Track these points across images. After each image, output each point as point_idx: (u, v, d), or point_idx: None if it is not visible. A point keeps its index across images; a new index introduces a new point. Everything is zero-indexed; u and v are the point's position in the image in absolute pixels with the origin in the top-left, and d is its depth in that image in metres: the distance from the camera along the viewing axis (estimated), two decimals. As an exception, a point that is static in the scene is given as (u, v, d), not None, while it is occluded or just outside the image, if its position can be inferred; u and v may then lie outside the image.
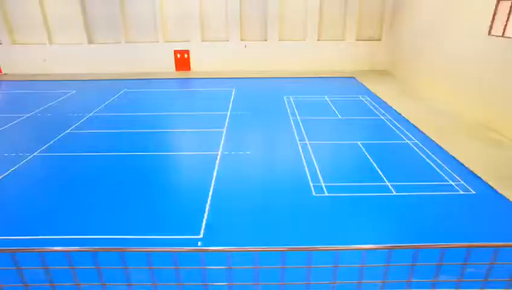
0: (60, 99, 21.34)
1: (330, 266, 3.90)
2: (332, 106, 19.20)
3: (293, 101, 20.22)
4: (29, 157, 13.25)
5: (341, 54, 27.69)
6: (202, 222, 9.35)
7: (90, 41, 27.77)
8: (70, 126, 16.56)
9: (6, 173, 12.07)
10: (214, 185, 11.14)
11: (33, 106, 20.00)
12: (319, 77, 26.05)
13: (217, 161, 12.77)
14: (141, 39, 27.70)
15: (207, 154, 13.45)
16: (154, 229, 9.12)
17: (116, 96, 21.76)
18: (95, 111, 18.82)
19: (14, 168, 12.41)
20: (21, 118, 17.86)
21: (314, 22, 26.85)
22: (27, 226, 9.30)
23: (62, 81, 25.97)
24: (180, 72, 28.15)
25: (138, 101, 21.10)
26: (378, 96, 20.85)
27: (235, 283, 4.18)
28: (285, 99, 20.64)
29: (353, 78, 25.86)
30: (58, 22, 27.44)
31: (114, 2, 26.49)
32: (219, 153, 13.47)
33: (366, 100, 20.35)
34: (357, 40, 27.46)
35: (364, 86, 23.48)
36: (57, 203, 10.32)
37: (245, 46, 27.55)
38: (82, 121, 17.33)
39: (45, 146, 14.30)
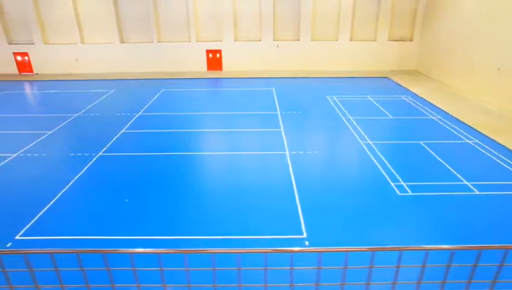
0: (100, 99, 21.26)
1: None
2: (379, 106, 19.18)
3: (338, 101, 20.19)
4: (96, 157, 13.19)
5: (372, 54, 27.68)
6: (300, 221, 9.31)
7: (122, 41, 27.71)
8: (124, 126, 16.50)
9: (81, 173, 12.00)
10: (296, 185, 11.09)
11: (76, 105, 19.92)
12: (353, 77, 26.04)
13: (288, 161, 12.72)
14: (173, 39, 27.63)
15: (275, 154, 13.41)
16: (250, 230, 9.07)
17: (156, 96, 21.69)
18: (142, 111, 18.75)
19: (86, 168, 12.34)
20: (71, 118, 17.77)
21: (347, 22, 26.85)
22: (110, 226, 9.24)
23: (96, 81, 25.91)
24: (212, 71, 28.11)
25: (180, 100, 21.06)
26: (420, 96, 20.83)
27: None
28: (328, 99, 20.62)
29: (386, 78, 25.87)
30: (91, 22, 27.38)
31: (147, 1, 26.45)
32: (286, 152, 13.43)
33: (410, 100, 20.33)
34: (388, 40, 27.48)
35: (401, 85, 23.47)
36: (136, 203, 10.27)
37: (277, 46, 27.52)
38: (133, 120, 17.25)
39: (107, 146, 14.23)
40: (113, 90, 23.03)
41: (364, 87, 23.23)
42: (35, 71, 28.55)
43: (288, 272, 4.97)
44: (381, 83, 24.67)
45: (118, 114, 18.31)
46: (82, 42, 27.74)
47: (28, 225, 9.22)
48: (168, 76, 26.79)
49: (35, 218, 9.53)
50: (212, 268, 3.79)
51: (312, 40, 27.46)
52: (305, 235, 8.78)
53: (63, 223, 9.35)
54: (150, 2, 26.39)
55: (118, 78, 26.53)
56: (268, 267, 3.97)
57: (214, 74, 27.45)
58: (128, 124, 16.68)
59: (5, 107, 20.46)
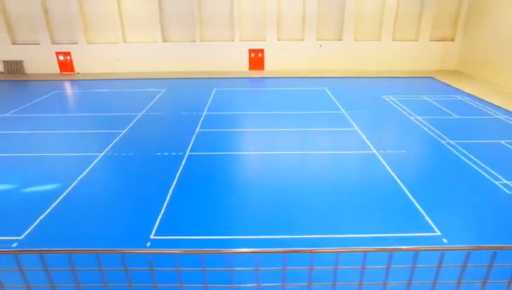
0: (156, 98, 21.26)
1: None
2: (439, 106, 19.22)
3: (396, 100, 20.23)
4: (186, 157, 13.20)
5: (413, 54, 27.73)
6: (424, 218, 9.34)
7: (164, 40, 27.72)
8: (196, 125, 16.51)
9: (179, 172, 12.01)
10: (403, 183, 11.11)
11: (135, 104, 19.92)
12: (397, 77, 26.06)
13: (382, 160, 12.76)
14: (216, 38, 27.65)
15: (362, 153, 13.44)
16: (373, 228, 9.10)
17: (211, 95, 21.70)
18: (206, 110, 18.74)
19: (181, 167, 12.36)
20: (136, 117, 17.77)
21: (390, 22, 26.90)
22: (230, 226, 9.27)
23: (141, 80, 25.89)
24: (253, 71, 28.13)
25: (237, 99, 21.09)
26: (476, 96, 20.87)
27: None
28: (385, 98, 20.66)
29: (431, 78, 25.92)
30: (133, 21, 27.38)
31: (192, 0, 26.47)
32: (375, 152, 13.46)
33: (467, 100, 20.37)
34: (430, 40, 27.52)
35: (450, 85, 23.51)
36: (242, 202, 10.29)
37: (320, 45, 27.56)
38: (202, 120, 17.26)
39: (190, 145, 14.24)
40: (164, 90, 23.03)
41: (413, 87, 23.28)
42: (76, 70, 28.55)
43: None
44: (428, 82, 24.70)
45: (183, 113, 18.32)
46: (124, 41, 27.75)
47: (156, 225, 9.24)
48: (210, 75, 26.81)
49: (159, 217, 9.55)
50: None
51: (355, 40, 27.50)
52: (438, 233, 8.82)
53: (182, 223, 9.35)
54: (194, 1, 26.41)
55: (162, 77, 26.53)
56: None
57: (256, 74, 27.46)
58: (200, 123, 16.69)
59: (65, 107, 20.47)
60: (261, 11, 26.92)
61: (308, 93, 22.01)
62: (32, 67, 28.40)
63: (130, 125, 16.61)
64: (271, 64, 28.10)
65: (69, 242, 8.65)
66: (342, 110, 18.61)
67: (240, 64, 28.10)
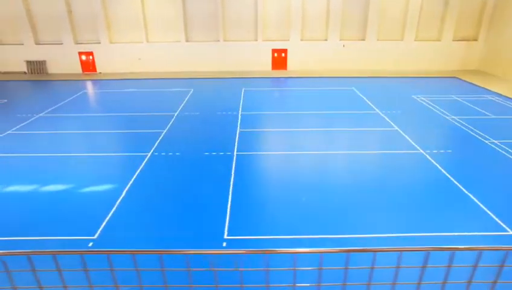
0: (187, 97, 21.27)
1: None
2: (472, 106, 19.26)
3: (427, 100, 20.29)
4: (235, 156, 13.24)
5: (436, 54, 27.79)
6: (493, 218, 9.39)
7: (187, 40, 27.74)
8: (235, 125, 16.53)
9: (233, 171, 12.05)
10: (459, 182, 11.16)
11: (168, 104, 19.96)
12: (421, 77, 26.12)
13: (431, 160, 12.80)
14: (239, 38, 27.68)
15: (410, 153, 13.48)
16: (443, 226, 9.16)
17: (242, 94, 21.74)
18: (240, 110, 18.75)
19: (234, 166, 12.40)
20: (173, 117, 17.79)
21: (414, 22, 26.94)
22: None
23: (166, 80, 25.91)
24: (276, 71, 28.17)
25: (268, 99, 21.12)
26: (505, 96, 20.93)
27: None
28: (416, 98, 20.71)
29: (455, 77, 25.96)
30: (157, 20, 27.40)
31: (216, 1, 26.49)
32: (422, 151, 13.50)
33: (497, 100, 20.41)
34: (453, 40, 27.58)
35: (476, 85, 23.55)
36: (311, 202, 10.34)
37: (343, 45, 27.61)
38: (240, 119, 17.28)
39: (235, 145, 14.25)
40: (191, 90, 23.06)
41: (440, 87, 23.33)
42: (98, 70, 28.57)
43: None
44: (452, 82, 24.75)
45: (218, 113, 18.36)
46: (147, 41, 27.76)
47: (226, 225, 9.28)
48: (232, 75, 26.81)
49: (227, 217, 9.59)
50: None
51: (377, 40, 27.56)
52: (511, 232, 8.87)
53: (250, 223, 9.39)
54: (219, 1, 26.43)
55: (185, 77, 26.54)
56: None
57: (280, 73, 27.49)
58: (239, 123, 16.73)
59: (98, 107, 20.51)
60: (285, 12, 26.95)
61: (338, 93, 22.06)
62: (54, 67, 28.41)
63: (169, 125, 16.64)
64: (294, 64, 28.14)
65: (138, 243, 8.68)
66: (376, 110, 18.66)
67: (263, 64, 28.13)
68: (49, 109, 19.46)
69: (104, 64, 28.35)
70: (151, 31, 27.70)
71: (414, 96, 21.05)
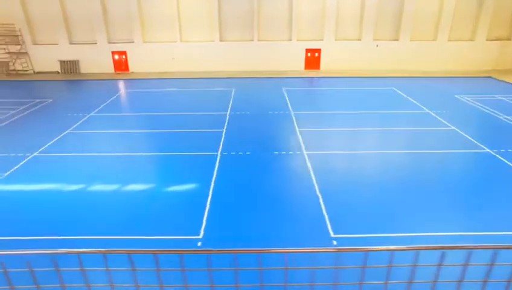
0: (231, 97, 21.30)
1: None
2: (520, 106, 19.42)
3: (471, 100, 20.39)
4: (305, 156, 13.32)
5: (469, 54, 27.91)
6: None
7: (222, 39, 27.80)
8: (292, 124, 16.61)
9: (311, 171, 12.14)
10: (541, 183, 11.29)
11: (216, 104, 20.02)
12: (456, 77, 26.21)
13: (503, 159, 12.90)
14: (274, 38, 27.75)
15: (475, 152, 13.56)
16: None
17: (285, 94, 21.81)
18: (292, 109, 18.76)
19: (309, 166, 12.49)
20: (227, 117, 17.82)
21: (447, 22, 27.04)
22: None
23: (204, 79, 25.96)
24: (309, 70, 28.27)
25: (313, 98, 21.22)
26: (547, 96, 21.09)
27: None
28: (460, 98, 20.81)
29: (490, 77, 26.07)
30: (191, 19, 27.44)
31: (252, 1, 26.56)
32: (488, 150, 13.59)
33: (541, 99, 20.57)
34: (487, 40, 27.69)
35: (514, 85, 23.73)
36: (395, 200, 10.44)
37: (377, 45, 27.71)
38: (296, 119, 17.30)
39: (301, 145, 14.33)
40: (233, 89, 23.13)
41: (479, 87, 23.46)
42: (130, 70, 28.62)
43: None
44: (489, 82, 24.87)
45: (270, 112, 18.45)
46: (181, 40, 27.82)
47: (328, 223, 9.36)
48: (267, 74, 26.89)
49: (325, 215, 9.68)
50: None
51: (411, 40, 27.65)
52: None
53: (351, 221, 9.48)
54: (255, 1, 26.49)
55: (219, 76, 26.61)
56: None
57: (313, 73, 27.58)
58: (295, 123, 16.80)
59: (147, 106, 20.32)
60: (320, 11, 27.03)
61: (380, 93, 22.15)
62: (87, 66, 28.46)
63: (226, 125, 16.70)
64: (326, 64, 28.23)
65: (240, 241, 8.75)
66: (425, 109, 18.75)
67: (296, 64, 28.21)
68: (98, 108, 19.52)
69: (136, 64, 28.40)
70: (184, 31, 27.75)
71: (457, 96, 21.15)
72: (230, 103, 20.24)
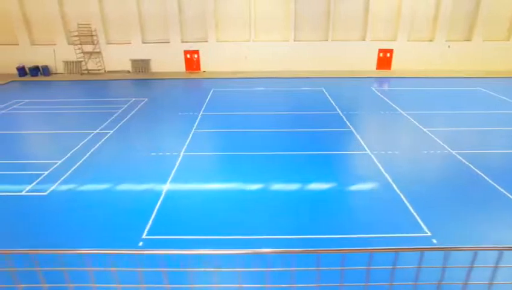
0: (328, 97, 21.28)
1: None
2: None
3: None
4: (456, 155, 13.43)
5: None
6: None
7: (296, 39, 27.88)
8: (411, 123, 16.70)
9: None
10: None
11: (320, 104, 20.06)
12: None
13: None
14: (348, 38, 27.86)
15: None
16: None
17: (380, 93, 21.93)
18: (402, 109, 18.78)
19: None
20: (344, 116, 17.80)
21: (521, 22, 27.23)
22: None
23: (283, 79, 25.99)
24: (380, 70, 28.38)
25: (413, 98, 21.03)
26: None
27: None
28: (556, 98, 21.01)
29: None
30: (265, 19, 27.47)
31: (329, 1, 26.67)
32: None
33: None
34: (543, 40, 27.87)
35: None
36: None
37: (448, 46, 27.84)
38: (416, 119, 17.27)
39: (441, 143, 14.45)
40: (323, 88, 23.18)
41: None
42: (202, 69, 28.66)
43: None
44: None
45: (381, 112, 18.56)
46: (254, 39, 27.88)
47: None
48: (339, 74, 26.95)
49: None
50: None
51: (483, 41, 27.79)
52: None
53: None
54: (331, 1, 26.59)
55: (296, 76, 26.67)
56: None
57: (384, 73, 27.67)
58: (417, 123, 16.86)
59: (247, 105, 20.27)
60: (395, 12, 27.16)
61: (468, 94, 22.26)
62: (157, 66, 28.49)
63: (350, 124, 16.70)
64: (398, 64, 28.33)
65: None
66: (533, 110, 18.90)
67: (368, 64, 28.31)
68: (203, 107, 19.55)
69: (208, 63, 28.44)
70: (258, 30, 27.80)
71: (553, 97, 21.32)
72: (333, 102, 20.28)
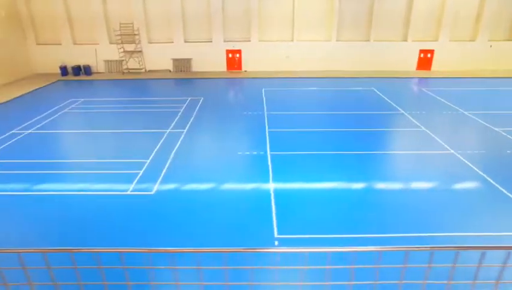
0: (382, 96, 21.36)
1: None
2: None
3: None
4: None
5: None
6: None
7: (338, 39, 27.93)
8: (485, 123, 16.78)
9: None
10: None
11: (375, 103, 20.15)
12: None
13: None
14: (389, 38, 27.93)
15: None
16: None
17: (430, 93, 22.01)
18: (462, 109, 18.87)
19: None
20: (405, 116, 17.98)
21: (562, 23, 27.37)
22: None
23: (330, 79, 26.01)
24: (420, 71, 28.47)
25: (461, 99, 21.19)
26: None
27: None
28: None
29: None
30: (307, 18, 27.48)
31: (372, 0, 26.74)
32: None
33: None
34: None
35: None
36: None
37: (490, 46, 27.96)
38: (483, 119, 17.42)
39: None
40: (373, 88, 23.25)
41: None
42: (243, 68, 28.67)
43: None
44: None
45: (444, 112, 18.62)
46: (296, 39, 27.90)
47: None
48: (380, 74, 27.00)
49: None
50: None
51: (524, 41, 27.96)
52: None
53: None
54: (375, 1, 26.65)
55: (335, 76, 26.73)
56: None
57: (424, 74, 27.75)
58: (485, 122, 16.97)
59: (313, 104, 20.29)
60: (437, 12, 27.24)
61: (521, 93, 22.43)
62: (198, 65, 28.49)
63: (419, 124, 16.78)
64: (438, 65, 28.41)
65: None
66: None
67: (408, 64, 28.39)
68: (264, 107, 19.55)
69: (249, 62, 28.45)
70: (300, 29, 27.81)
71: None
72: (390, 102, 20.37)
